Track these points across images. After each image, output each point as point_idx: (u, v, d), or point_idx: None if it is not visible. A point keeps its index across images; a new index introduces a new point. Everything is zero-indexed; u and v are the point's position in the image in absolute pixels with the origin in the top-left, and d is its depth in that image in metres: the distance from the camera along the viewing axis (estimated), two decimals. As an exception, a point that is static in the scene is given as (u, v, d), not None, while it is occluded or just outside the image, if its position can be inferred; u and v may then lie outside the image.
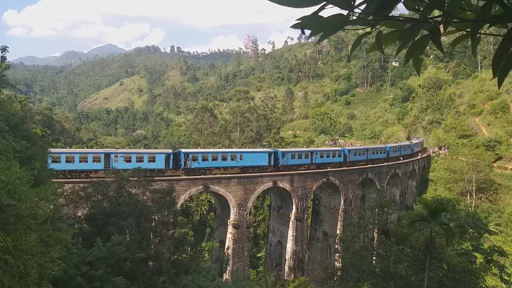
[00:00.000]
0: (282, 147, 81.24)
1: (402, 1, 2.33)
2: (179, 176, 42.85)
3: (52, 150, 36.17)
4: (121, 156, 40.61)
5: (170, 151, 45.25)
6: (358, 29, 2.58)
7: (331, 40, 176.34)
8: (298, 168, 51.92)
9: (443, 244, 23.87)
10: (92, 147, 70.64)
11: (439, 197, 48.05)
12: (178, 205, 40.54)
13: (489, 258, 31.40)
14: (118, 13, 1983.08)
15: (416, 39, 2.37)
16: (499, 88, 2.47)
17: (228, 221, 45.06)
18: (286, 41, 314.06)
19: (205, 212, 73.40)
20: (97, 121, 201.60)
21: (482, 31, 2.56)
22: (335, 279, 33.94)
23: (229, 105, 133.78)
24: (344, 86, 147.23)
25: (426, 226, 24.18)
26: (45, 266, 12.04)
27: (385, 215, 32.81)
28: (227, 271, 43.28)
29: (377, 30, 2.43)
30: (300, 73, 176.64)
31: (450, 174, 68.72)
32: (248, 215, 46.93)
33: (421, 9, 2.26)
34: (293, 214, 49.59)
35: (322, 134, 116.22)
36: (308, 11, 2.29)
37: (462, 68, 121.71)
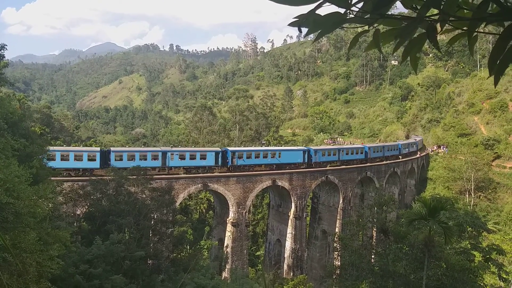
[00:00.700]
0: (281, 146, 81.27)
1: (399, -1, 2.33)
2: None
3: (114, 148, 42.03)
4: (177, 154, 43.59)
5: (219, 149, 48.18)
6: (357, 28, 2.58)
7: (330, 38, 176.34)
8: (327, 165, 55.31)
9: (441, 243, 23.87)
10: (91, 145, 70.59)
11: (438, 196, 48.05)
12: (177, 204, 40.58)
13: (488, 256, 31.44)
14: (117, 11, 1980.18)
15: (413, 37, 2.37)
16: (495, 87, 2.48)
17: (227, 219, 45.10)
18: (285, 39, 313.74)
19: (204, 210, 73.42)
20: (96, 119, 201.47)
21: (481, 30, 2.57)
22: (333, 277, 33.99)
23: (228, 104, 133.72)
24: (343, 84, 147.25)
25: (424, 225, 24.21)
26: (44, 264, 12.04)
27: (384, 214, 32.84)
28: (226, 269, 43.34)
29: (374, 29, 2.43)
30: (299, 72, 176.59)
31: (449, 172, 68.84)
32: (247, 213, 46.95)
33: (419, 7, 2.27)
34: (292, 213, 49.64)
35: (321, 133, 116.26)
36: (306, 9, 2.30)
37: (461, 67, 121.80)
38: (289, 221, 50.16)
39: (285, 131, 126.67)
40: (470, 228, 32.99)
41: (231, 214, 44.59)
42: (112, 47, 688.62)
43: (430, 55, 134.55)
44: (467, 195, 64.97)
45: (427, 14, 2.25)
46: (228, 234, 45.12)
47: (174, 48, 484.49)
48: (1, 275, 9.61)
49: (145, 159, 41.20)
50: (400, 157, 67.86)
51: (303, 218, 51.33)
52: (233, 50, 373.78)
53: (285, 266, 50.63)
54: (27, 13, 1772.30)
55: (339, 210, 54.67)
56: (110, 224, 24.46)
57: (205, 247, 51.95)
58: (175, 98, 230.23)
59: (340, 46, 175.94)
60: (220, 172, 45.46)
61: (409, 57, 2.54)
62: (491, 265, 31.37)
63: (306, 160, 52.43)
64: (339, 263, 35.82)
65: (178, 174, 43.17)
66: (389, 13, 2.39)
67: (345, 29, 2.50)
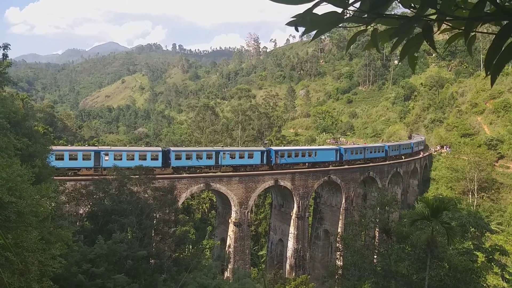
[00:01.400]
0: (284, 146, 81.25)
1: (398, -1, 2.33)
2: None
3: (173, 148, 44.83)
4: (228, 153, 46.42)
5: (264, 148, 50.88)
6: (360, 27, 2.58)
7: (333, 38, 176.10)
8: (355, 163, 58.69)
9: (444, 243, 23.80)
10: (94, 145, 70.76)
11: (441, 196, 47.91)
12: (180, 203, 40.64)
13: (491, 257, 31.32)
14: (120, 11, 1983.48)
15: (411, 36, 2.37)
16: (491, 86, 2.47)
17: (230, 219, 45.11)
18: (288, 39, 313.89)
19: (206, 210, 73.48)
20: (98, 119, 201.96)
21: (480, 30, 2.56)
22: (336, 277, 33.95)
23: (231, 103, 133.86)
24: (346, 84, 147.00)
25: (427, 225, 24.15)
26: (46, 263, 12.07)
27: (387, 214, 32.78)
28: (228, 269, 43.39)
29: (372, 28, 2.43)
30: (302, 71, 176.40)
31: (452, 173, 68.60)
32: (249, 213, 46.96)
33: (417, 6, 2.26)
34: (294, 213, 49.61)
35: (324, 133, 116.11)
36: (305, 8, 2.29)
37: (465, 67, 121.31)
38: (291, 221, 50.14)
39: (287, 131, 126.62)
40: (473, 229, 32.86)
41: (233, 214, 44.60)
42: (115, 46, 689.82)
43: (433, 55, 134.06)
44: (470, 196, 64.73)
45: (425, 14, 2.25)
46: (230, 233, 45.13)
47: (177, 47, 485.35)
48: (2, 274, 9.65)
49: (201, 158, 44.58)
50: (410, 157, 71.17)
51: (305, 218, 51.28)
52: (235, 50, 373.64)
53: (287, 266, 50.60)
54: (30, 12, 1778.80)
55: (341, 210, 54.59)
56: (112, 223, 24.51)
57: (207, 246, 52.04)
58: (177, 98, 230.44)
59: (343, 46, 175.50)
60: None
61: (407, 56, 2.54)
62: (494, 266, 31.25)
63: (338, 158, 55.28)
64: (341, 263, 35.82)
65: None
66: (391, 12, 2.39)
67: (348, 28, 2.49)
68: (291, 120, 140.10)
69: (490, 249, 31.77)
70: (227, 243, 45.64)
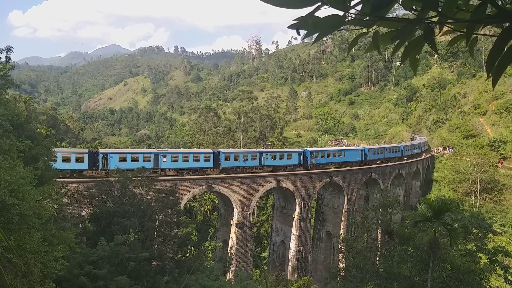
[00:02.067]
0: (286, 147, 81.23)
1: (399, 1, 2.33)
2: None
3: (223, 150, 47.28)
4: (269, 154, 49.05)
5: (301, 149, 53.13)
6: (362, 30, 2.58)
7: (335, 40, 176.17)
8: (377, 162, 62.28)
9: (447, 245, 23.74)
10: (96, 147, 70.87)
11: (443, 198, 47.89)
12: (182, 205, 40.66)
13: (494, 258, 31.24)
14: (122, 13, 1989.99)
15: (412, 39, 2.37)
16: (493, 88, 2.47)
17: (232, 221, 45.07)
18: (289, 41, 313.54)
19: (208, 212, 73.45)
20: (101, 121, 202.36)
21: (481, 32, 2.56)
22: (338, 279, 33.90)
23: (233, 105, 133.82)
24: (348, 86, 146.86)
25: (430, 227, 24.10)
26: (48, 265, 12.08)
27: (389, 215, 32.75)
28: (230, 271, 43.34)
29: (373, 31, 2.44)
30: (303, 73, 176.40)
31: (455, 174, 68.39)
32: (251, 215, 46.95)
33: (418, 9, 2.27)
34: (296, 214, 49.54)
35: (326, 134, 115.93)
36: (307, 11, 2.30)
37: (467, 68, 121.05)
38: (294, 222, 50.06)
39: (289, 132, 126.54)
40: (475, 230, 32.80)
41: (235, 216, 44.56)
42: (118, 49, 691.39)
43: (436, 56, 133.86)
44: (473, 197, 64.51)
45: (427, 16, 2.25)
46: (232, 235, 45.10)
47: (179, 50, 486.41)
48: (6, 276, 9.67)
49: (247, 159, 46.92)
50: (424, 154, 75.59)
51: (308, 220, 51.21)
52: (237, 52, 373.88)
53: (290, 268, 50.50)
54: (33, 15, 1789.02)
55: (343, 211, 54.50)
56: (114, 225, 24.53)
57: (210, 248, 52.04)
58: (179, 100, 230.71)
59: (345, 48, 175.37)
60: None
61: (408, 59, 2.54)
62: (497, 267, 31.16)
63: (363, 158, 58.00)
64: (343, 265, 35.72)
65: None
66: (392, 14, 2.39)
67: (350, 30, 2.52)
68: (293, 122, 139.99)
69: (493, 251, 31.69)
70: (229, 245, 45.59)
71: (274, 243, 55.39)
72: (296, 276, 48.13)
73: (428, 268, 22.48)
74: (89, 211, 29.17)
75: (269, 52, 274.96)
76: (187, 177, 42.51)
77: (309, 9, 2.18)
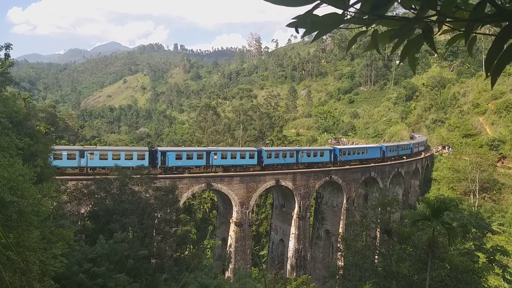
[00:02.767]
0: (285, 146, 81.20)
1: (398, 0, 2.33)
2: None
3: (265, 148, 50.18)
4: (305, 152, 51.67)
5: (332, 147, 55.97)
6: (362, 28, 2.58)
7: (335, 38, 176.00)
8: (395, 158, 65.45)
9: (445, 244, 23.77)
10: (95, 144, 70.76)
11: (442, 197, 47.81)
12: (181, 203, 40.70)
13: (492, 257, 31.26)
14: (122, 11, 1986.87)
15: (411, 38, 2.37)
16: (492, 87, 2.47)
17: (231, 219, 45.10)
18: (289, 39, 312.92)
19: (207, 210, 73.46)
20: (100, 119, 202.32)
21: (480, 31, 2.56)
22: (337, 277, 33.93)
23: (232, 103, 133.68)
24: (348, 84, 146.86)
25: (428, 226, 24.13)
26: (47, 263, 12.09)
27: (388, 214, 32.75)
28: (229, 269, 43.40)
29: (372, 29, 2.43)
30: (303, 72, 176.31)
31: (454, 173, 68.44)
32: (250, 213, 46.95)
33: (417, 8, 2.26)
34: (295, 213, 49.57)
35: (325, 133, 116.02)
36: (306, 9, 2.30)
37: (466, 67, 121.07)
38: (293, 221, 50.11)
39: (289, 131, 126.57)
40: (474, 229, 32.82)
41: (234, 214, 44.59)
42: (117, 46, 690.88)
43: (435, 55, 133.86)
44: (472, 196, 64.59)
45: (426, 15, 2.25)
46: (231, 233, 45.13)
47: (179, 47, 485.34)
48: (5, 273, 9.67)
49: (285, 157, 49.40)
50: (423, 153, 77.33)
51: (307, 218, 51.25)
52: (237, 50, 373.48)
53: (288, 266, 50.58)
54: (32, 12, 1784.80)
55: (342, 210, 54.53)
56: (114, 223, 24.55)
57: (209, 246, 52.02)
58: (179, 98, 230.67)
59: (345, 46, 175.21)
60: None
61: (407, 58, 2.54)
62: (496, 267, 31.18)
63: (381, 155, 61.33)
64: (342, 264, 35.78)
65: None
66: (391, 13, 2.39)
67: (350, 29, 2.52)
68: (292, 120, 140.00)
69: (491, 250, 31.70)
70: (228, 243, 45.63)
71: (273, 241, 55.45)
72: (294, 274, 48.19)
73: (427, 267, 22.51)
74: (88, 209, 29.18)
75: (269, 50, 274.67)
76: (186, 175, 42.54)
77: (308, 7, 2.18)
